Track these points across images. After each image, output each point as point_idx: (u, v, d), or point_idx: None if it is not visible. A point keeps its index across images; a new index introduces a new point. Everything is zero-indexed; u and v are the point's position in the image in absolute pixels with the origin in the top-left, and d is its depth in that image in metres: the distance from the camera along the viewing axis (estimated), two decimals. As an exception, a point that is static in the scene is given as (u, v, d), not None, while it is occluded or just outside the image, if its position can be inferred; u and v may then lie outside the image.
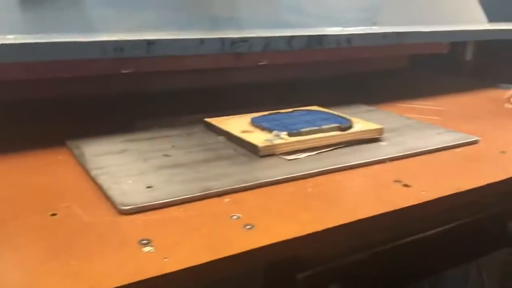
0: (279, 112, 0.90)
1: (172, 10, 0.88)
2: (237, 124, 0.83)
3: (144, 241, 0.49)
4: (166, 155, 0.73)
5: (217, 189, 0.61)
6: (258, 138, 0.76)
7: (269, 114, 0.89)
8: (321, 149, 0.76)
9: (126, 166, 0.69)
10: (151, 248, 0.48)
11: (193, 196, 0.59)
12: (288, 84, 1.08)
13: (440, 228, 0.68)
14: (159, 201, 0.57)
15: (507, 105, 1.10)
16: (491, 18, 1.33)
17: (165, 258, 0.46)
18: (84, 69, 0.77)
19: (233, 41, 0.86)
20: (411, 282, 0.72)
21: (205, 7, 0.92)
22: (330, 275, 0.59)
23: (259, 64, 0.90)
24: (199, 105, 0.93)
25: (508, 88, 1.23)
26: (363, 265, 0.60)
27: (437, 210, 0.62)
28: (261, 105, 0.92)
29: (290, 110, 0.92)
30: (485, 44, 1.36)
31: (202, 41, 0.84)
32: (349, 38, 1.00)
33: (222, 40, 0.85)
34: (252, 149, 0.74)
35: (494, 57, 1.39)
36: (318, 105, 0.96)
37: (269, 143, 0.74)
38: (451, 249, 0.72)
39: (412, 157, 0.75)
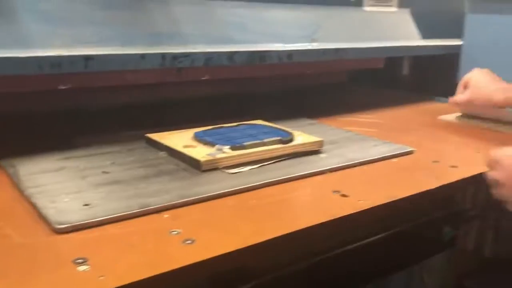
0: (222, 127, 0.90)
1: (113, 26, 0.87)
2: (179, 139, 0.83)
3: (79, 260, 0.47)
4: (105, 172, 0.72)
5: (156, 205, 0.60)
6: (201, 152, 0.76)
7: (212, 128, 0.89)
8: (263, 162, 0.77)
9: (63, 184, 0.67)
10: (87, 267, 0.47)
11: (131, 213, 0.58)
12: (232, 99, 1.09)
13: (379, 235, 0.70)
14: (96, 218, 0.56)
15: (442, 117, 1.16)
16: (425, 35, 1.40)
17: (101, 276, 0.45)
18: (21, 85, 0.75)
19: (175, 56, 0.86)
20: (353, 288, 0.74)
21: (147, 23, 0.92)
22: (273, 285, 0.59)
23: (201, 79, 0.90)
24: (141, 121, 0.92)
25: (443, 101, 1.30)
26: (305, 274, 0.61)
27: (374, 218, 0.64)
28: (204, 120, 0.92)
29: (234, 124, 0.92)
30: (420, 59, 1.42)
31: (142, 56, 0.83)
32: (290, 53, 1.03)
33: (163, 55, 0.85)
34: (194, 164, 0.74)
35: (429, 72, 1.46)
36: (262, 119, 0.97)
37: (211, 157, 0.74)
38: (391, 255, 0.74)
39: (350, 168, 0.78)
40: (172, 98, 0.98)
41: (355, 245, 0.66)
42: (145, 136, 0.85)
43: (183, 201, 0.62)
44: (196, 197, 0.63)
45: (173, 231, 0.54)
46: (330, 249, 0.63)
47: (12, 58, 0.72)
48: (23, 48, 0.76)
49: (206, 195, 0.64)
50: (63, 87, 0.78)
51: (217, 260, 0.50)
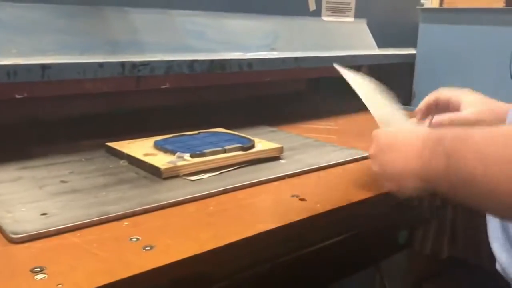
0: (183, 135, 0.91)
1: (71, 34, 0.87)
2: (140, 148, 0.83)
3: (37, 269, 0.47)
4: (64, 181, 0.71)
5: (116, 213, 0.60)
6: (161, 160, 0.76)
7: (173, 136, 0.89)
8: (224, 169, 0.78)
9: (19, 194, 0.66)
10: (44, 275, 0.46)
11: (90, 221, 0.58)
12: (192, 107, 1.09)
13: (337, 238, 0.72)
14: (53, 227, 0.56)
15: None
16: (381, 45, 1.45)
17: (59, 284, 0.45)
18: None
19: (134, 65, 0.87)
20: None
21: (105, 32, 0.92)
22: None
23: (161, 87, 0.90)
24: (100, 130, 0.91)
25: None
26: (265, 277, 0.62)
27: (332, 220, 0.66)
28: (164, 129, 0.92)
29: (195, 132, 0.93)
30: (377, 68, 1.47)
31: (101, 64, 0.83)
32: (250, 62, 1.04)
33: (123, 63, 0.85)
34: (154, 172, 0.74)
35: (385, 80, 1.51)
36: (223, 127, 0.98)
37: (171, 165, 0.74)
38: (348, 257, 0.76)
39: (308, 173, 0.79)
40: (131, 107, 0.97)
41: (313, 247, 0.67)
42: (105, 145, 0.85)
43: (143, 209, 0.62)
44: (156, 204, 0.63)
45: (132, 238, 0.54)
46: (289, 252, 0.64)
47: (-35, 67, 0.71)
48: (-23, 56, 0.75)
49: (166, 202, 0.65)
50: (19, 96, 0.76)
51: (177, 265, 0.50)
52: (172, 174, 0.74)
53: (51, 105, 0.89)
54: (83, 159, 0.81)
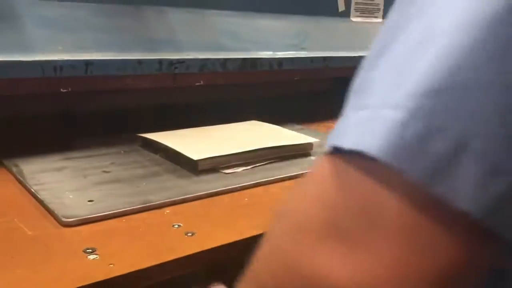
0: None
1: (111, 32, 0.91)
2: (175, 139, 0.86)
3: (89, 250, 0.51)
4: (105, 172, 0.75)
5: (157, 201, 0.64)
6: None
7: (206, 131, 0.93)
8: (257, 163, 0.81)
9: (66, 183, 0.70)
10: (96, 256, 0.50)
11: (134, 209, 0.62)
12: (224, 104, 1.13)
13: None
14: (100, 213, 0.59)
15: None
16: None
17: (111, 264, 0.48)
18: (22, 88, 0.78)
19: (171, 62, 0.90)
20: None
21: (143, 30, 0.96)
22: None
23: (196, 84, 0.94)
24: (137, 124, 0.95)
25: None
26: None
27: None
28: (198, 123, 0.95)
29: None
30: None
31: (140, 61, 0.87)
32: (280, 61, 1.07)
33: (160, 61, 0.89)
34: (191, 164, 0.77)
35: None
36: (252, 123, 1.01)
37: (207, 157, 0.78)
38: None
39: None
40: (168, 102, 1.01)
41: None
42: (140, 137, 0.88)
43: (182, 198, 0.66)
44: (194, 195, 0.67)
45: (174, 225, 0.58)
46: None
47: (15, 62, 0.75)
48: (26, 52, 0.79)
49: (203, 192, 0.68)
50: (64, 90, 0.81)
51: (217, 251, 0.54)
52: (208, 167, 0.77)
53: (92, 99, 0.93)
54: (122, 151, 0.85)
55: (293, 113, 1.20)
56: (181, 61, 0.92)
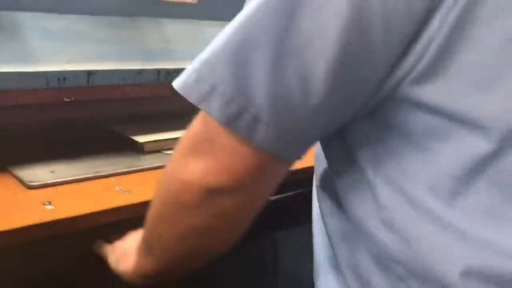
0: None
1: (111, 43, 0.95)
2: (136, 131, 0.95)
3: (47, 203, 0.68)
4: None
5: (106, 172, 0.80)
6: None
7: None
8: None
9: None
10: (52, 206, 0.67)
11: (86, 177, 0.78)
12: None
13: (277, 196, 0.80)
14: (60, 179, 0.76)
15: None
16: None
17: (62, 211, 0.65)
18: (26, 98, 0.81)
19: (168, 72, 0.94)
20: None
21: (141, 40, 1.00)
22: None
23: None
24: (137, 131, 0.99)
25: None
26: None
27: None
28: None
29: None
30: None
31: (140, 71, 0.91)
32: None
33: (158, 70, 0.93)
34: (139, 146, 0.91)
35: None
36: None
37: (151, 140, 0.91)
38: (285, 215, 0.88)
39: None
40: (165, 110, 1.05)
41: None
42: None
43: (125, 171, 0.81)
44: (136, 168, 0.83)
45: (116, 187, 0.75)
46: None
47: (20, 73, 0.79)
48: (30, 63, 0.83)
49: (144, 167, 0.84)
50: (67, 100, 0.84)
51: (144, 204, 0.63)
52: (153, 149, 0.90)
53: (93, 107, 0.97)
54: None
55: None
56: (177, 71, 0.95)
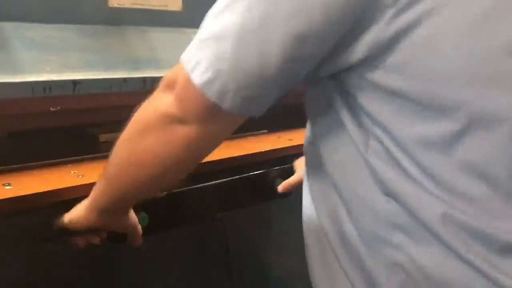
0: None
1: (96, 52, 0.95)
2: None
3: (6, 184, 0.76)
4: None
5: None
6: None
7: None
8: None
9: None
10: (11, 187, 0.75)
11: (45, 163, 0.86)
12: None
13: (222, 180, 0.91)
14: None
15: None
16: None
17: (20, 190, 0.73)
18: (12, 107, 0.81)
19: (154, 80, 0.95)
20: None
21: (126, 49, 1.00)
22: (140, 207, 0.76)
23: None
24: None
25: None
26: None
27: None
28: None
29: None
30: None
31: (125, 80, 0.91)
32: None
33: (144, 79, 0.94)
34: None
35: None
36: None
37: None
38: (229, 198, 0.94)
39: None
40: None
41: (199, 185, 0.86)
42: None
43: (82, 157, 0.89)
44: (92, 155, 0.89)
45: (71, 171, 0.83)
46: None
47: (5, 84, 0.79)
48: (16, 73, 0.83)
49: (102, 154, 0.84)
50: (53, 109, 0.84)
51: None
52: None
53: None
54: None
55: (267, 122, 1.25)
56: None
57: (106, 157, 0.68)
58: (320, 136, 0.58)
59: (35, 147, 0.91)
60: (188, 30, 1.09)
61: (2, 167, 0.84)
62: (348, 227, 0.54)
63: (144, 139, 0.58)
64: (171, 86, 0.56)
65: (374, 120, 0.51)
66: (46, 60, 0.89)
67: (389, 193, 0.51)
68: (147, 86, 0.94)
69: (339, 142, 0.55)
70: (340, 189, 0.55)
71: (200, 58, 0.52)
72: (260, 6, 0.49)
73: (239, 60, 0.50)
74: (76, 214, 0.70)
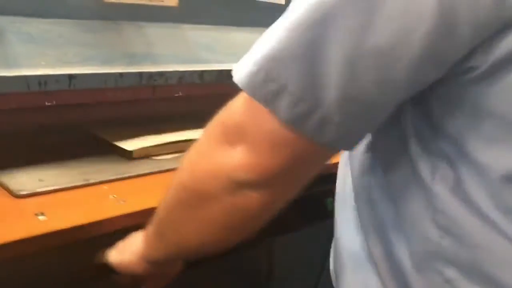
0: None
1: (92, 47, 0.95)
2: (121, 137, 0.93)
3: (39, 213, 0.66)
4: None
5: (96, 180, 0.79)
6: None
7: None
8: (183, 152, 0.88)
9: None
10: (45, 217, 0.65)
11: (76, 185, 0.77)
12: (202, 114, 1.17)
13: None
14: (49, 187, 0.74)
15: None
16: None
17: (56, 222, 0.63)
18: (8, 102, 0.81)
19: (150, 75, 0.95)
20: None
21: (123, 44, 1.00)
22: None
23: (175, 95, 0.99)
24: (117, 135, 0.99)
25: None
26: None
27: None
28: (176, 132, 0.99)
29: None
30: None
31: (121, 74, 0.91)
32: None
33: (140, 74, 0.94)
34: (127, 153, 0.90)
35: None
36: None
37: (140, 147, 0.90)
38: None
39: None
40: (147, 113, 1.05)
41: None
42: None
43: (118, 177, 0.81)
44: (127, 175, 0.83)
45: (110, 196, 0.74)
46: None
47: (1, 77, 0.79)
48: (11, 67, 0.83)
49: (135, 174, 0.84)
50: (49, 104, 0.84)
51: (143, 213, 0.64)
52: (142, 155, 0.90)
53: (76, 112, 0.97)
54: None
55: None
56: (160, 74, 0.96)
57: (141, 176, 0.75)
58: (379, 157, 0.50)
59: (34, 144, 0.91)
60: (184, 26, 1.09)
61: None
62: (398, 247, 0.48)
63: (207, 208, 0.49)
64: (235, 135, 0.45)
65: (454, 146, 0.44)
66: (42, 54, 0.88)
67: (444, 227, 0.45)
68: (143, 81, 0.94)
69: (397, 163, 0.48)
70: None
71: (284, 84, 0.42)
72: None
73: (348, 87, 0.41)
74: (128, 259, 0.62)
